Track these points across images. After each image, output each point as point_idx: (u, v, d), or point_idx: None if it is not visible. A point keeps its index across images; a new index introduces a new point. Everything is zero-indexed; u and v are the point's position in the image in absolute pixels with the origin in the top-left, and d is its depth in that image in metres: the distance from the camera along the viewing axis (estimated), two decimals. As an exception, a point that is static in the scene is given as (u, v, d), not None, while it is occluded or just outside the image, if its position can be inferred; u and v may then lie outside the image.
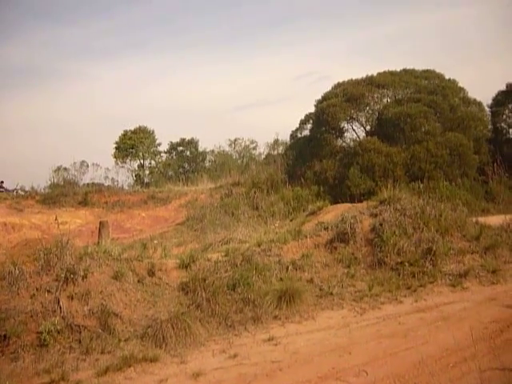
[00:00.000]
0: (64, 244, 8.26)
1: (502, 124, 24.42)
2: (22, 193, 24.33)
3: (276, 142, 34.54)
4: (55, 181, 28.01)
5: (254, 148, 38.12)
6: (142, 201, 23.62)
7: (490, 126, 23.87)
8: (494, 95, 24.58)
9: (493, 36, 62.96)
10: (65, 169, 30.06)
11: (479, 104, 23.28)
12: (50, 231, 17.74)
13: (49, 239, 8.82)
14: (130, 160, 35.47)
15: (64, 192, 23.93)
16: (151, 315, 7.64)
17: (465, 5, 66.47)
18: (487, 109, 24.07)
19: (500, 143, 22.98)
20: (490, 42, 62.33)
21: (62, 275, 7.65)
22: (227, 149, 37.98)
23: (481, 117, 22.86)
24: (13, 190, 24.77)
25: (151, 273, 8.67)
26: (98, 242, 10.02)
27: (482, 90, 40.74)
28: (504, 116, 24.31)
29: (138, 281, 8.40)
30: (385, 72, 23.80)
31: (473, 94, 23.61)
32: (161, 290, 8.39)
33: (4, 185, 25.28)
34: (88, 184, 28.55)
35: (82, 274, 7.76)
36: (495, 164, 20.91)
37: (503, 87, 24.43)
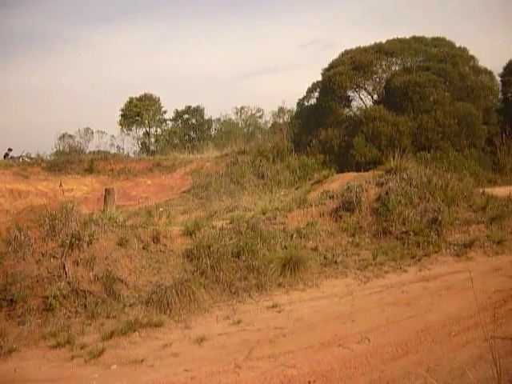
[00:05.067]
0: (69, 210, 8.29)
1: (513, 94, 23.99)
2: (28, 160, 24.29)
3: (281, 110, 34.23)
4: (61, 148, 27.95)
5: (260, 116, 37.81)
6: (148, 168, 23.59)
7: (500, 96, 23.49)
8: (506, 64, 24.08)
9: (505, 3, 61.32)
10: (70, 136, 29.99)
11: (490, 73, 22.83)
12: (57, 198, 17.74)
13: (54, 205, 8.83)
14: (136, 128, 35.34)
15: (70, 159, 23.92)
16: (156, 281, 7.70)
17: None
18: (498, 78, 23.61)
19: (510, 113, 22.56)
20: (502, 9, 60.66)
21: (67, 241, 7.70)
22: (233, 117, 37.73)
23: (491, 86, 22.47)
24: (19, 157, 24.74)
25: (156, 240, 8.70)
26: (104, 210, 10.03)
27: (493, 58, 40.09)
28: (515, 86, 23.86)
29: (143, 247, 8.45)
30: (394, 39, 23.37)
31: (483, 62, 23.20)
32: (165, 257, 8.44)
33: (11, 152, 25.26)
34: (94, 151, 28.54)
35: (87, 240, 7.82)
36: (504, 135, 20.65)
37: (515, 56, 23.95)
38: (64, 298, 7.12)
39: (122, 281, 7.59)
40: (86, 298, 7.25)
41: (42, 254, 7.60)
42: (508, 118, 21.76)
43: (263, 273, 8.15)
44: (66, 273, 7.39)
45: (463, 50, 22.77)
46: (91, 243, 7.85)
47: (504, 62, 24.20)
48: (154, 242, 8.66)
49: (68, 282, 7.30)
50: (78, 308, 7.13)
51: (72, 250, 7.70)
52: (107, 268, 7.64)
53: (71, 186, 20.70)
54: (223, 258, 8.24)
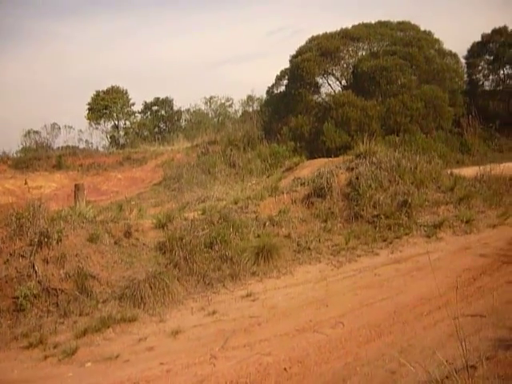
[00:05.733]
0: (36, 208, 8.11)
1: (478, 76, 24.42)
2: (-7, 158, 23.67)
3: (250, 98, 34.06)
4: (27, 144, 27.32)
5: (230, 105, 37.53)
6: (118, 162, 23.29)
7: (465, 78, 23.87)
8: (470, 46, 24.49)
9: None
10: (36, 132, 29.26)
11: (455, 55, 23.13)
12: (25, 196, 17.43)
13: (21, 204, 8.64)
14: (104, 121, 34.64)
15: (37, 156, 23.40)
16: (129, 276, 7.61)
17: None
18: (463, 60, 23.98)
19: (475, 95, 23.00)
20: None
21: (36, 239, 7.54)
22: (203, 107, 37.31)
23: (456, 68, 22.79)
24: (-18, 156, 24.09)
25: (128, 234, 8.59)
26: (74, 206, 9.85)
27: (457, 41, 40.58)
28: (480, 67, 24.28)
29: (115, 242, 8.34)
30: (359, 24, 23.41)
31: (448, 45, 23.48)
32: (138, 251, 8.35)
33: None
34: (62, 147, 27.92)
35: (55, 237, 7.65)
36: (470, 116, 20.96)
37: (479, 38, 24.33)
38: (35, 297, 6.99)
39: (94, 277, 7.49)
40: (57, 296, 7.14)
41: (10, 254, 7.43)
42: (473, 99, 22.13)
43: (237, 262, 8.15)
44: (35, 272, 7.25)
45: (428, 34, 22.96)
46: (60, 240, 7.70)
47: (468, 45, 24.65)
48: (125, 237, 8.54)
49: (38, 281, 7.17)
50: (50, 307, 7.01)
51: (41, 248, 7.54)
52: (78, 265, 7.52)
53: (39, 183, 20.31)
54: (196, 249, 8.20)
